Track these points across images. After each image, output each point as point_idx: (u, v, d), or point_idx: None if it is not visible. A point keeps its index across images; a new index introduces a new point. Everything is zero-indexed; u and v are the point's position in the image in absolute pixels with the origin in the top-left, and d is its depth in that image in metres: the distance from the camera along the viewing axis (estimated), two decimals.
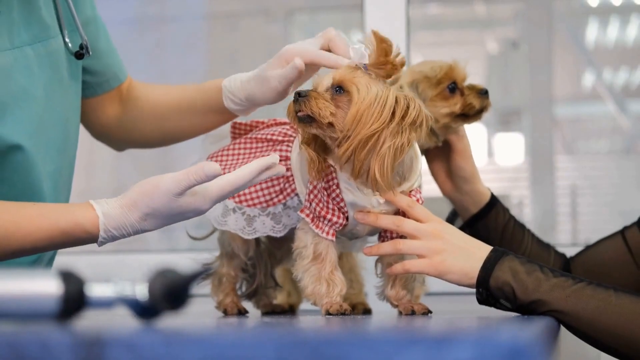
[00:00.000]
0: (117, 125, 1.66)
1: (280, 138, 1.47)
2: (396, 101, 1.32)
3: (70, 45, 1.48)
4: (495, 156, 4.94)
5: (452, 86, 1.58)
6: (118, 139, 1.69)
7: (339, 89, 1.34)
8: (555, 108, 4.00)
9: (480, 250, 1.36)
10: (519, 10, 4.38)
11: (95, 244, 1.32)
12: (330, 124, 1.32)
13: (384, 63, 1.32)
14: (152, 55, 3.44)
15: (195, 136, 1.63)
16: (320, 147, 1.38)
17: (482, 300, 1.37)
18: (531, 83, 3.78)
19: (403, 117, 1.31)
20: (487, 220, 1.66)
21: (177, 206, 1.28)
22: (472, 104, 1.57)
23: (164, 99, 1.63)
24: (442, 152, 1.66)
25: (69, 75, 1.49)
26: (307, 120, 1.33)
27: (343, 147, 1.31)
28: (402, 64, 1.34)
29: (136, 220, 1.29)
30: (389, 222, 1.38)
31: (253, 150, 1.48)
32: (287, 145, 1.46)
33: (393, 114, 1.31)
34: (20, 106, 1.38)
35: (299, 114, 1.33)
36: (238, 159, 1.49)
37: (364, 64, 1.34)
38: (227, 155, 1.50)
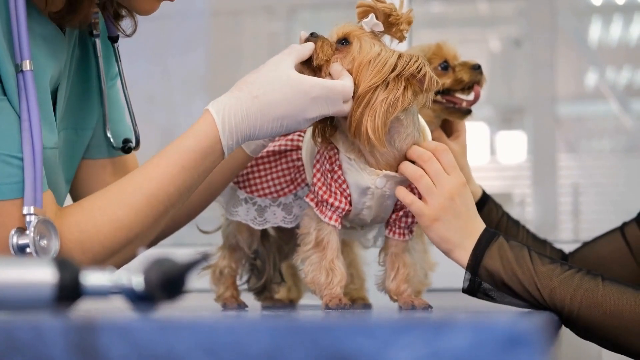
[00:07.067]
0: None
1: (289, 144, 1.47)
2: (399, 57, 1.30)
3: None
4: (497, 154, 4.93)
5: (444, 65, 1.60)
6: None
7: (344, 41, 1.33)
8: (557, 107, 3.99)
9: (473, 233, 1.35)
10: (521, 8, 4.37)
11: None
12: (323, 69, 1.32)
13: (391, 23, 1.32)
14: (155, 53, 3.43)
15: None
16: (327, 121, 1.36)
17: (468, 290, 1.36)
18: (534, 81, 3.77)
19: (402, 71, 1.29)
20: (481, 216, 1.66)
21: None
22: (462, 78, 1.58)
23: None
24: None
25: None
26: (309, 64, 1.33)
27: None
28: (409, 20, 1.32)
29: None
30: (412, 170, 1.34)
31: (272, 164, 1.48)
32: (299, 135, 1.46)
33: (393, 70, 1.29)
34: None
35: None
36: (260, 176, 1.49)
37: (379, 31, 1.33)
38: (251, 175, 1.50)
